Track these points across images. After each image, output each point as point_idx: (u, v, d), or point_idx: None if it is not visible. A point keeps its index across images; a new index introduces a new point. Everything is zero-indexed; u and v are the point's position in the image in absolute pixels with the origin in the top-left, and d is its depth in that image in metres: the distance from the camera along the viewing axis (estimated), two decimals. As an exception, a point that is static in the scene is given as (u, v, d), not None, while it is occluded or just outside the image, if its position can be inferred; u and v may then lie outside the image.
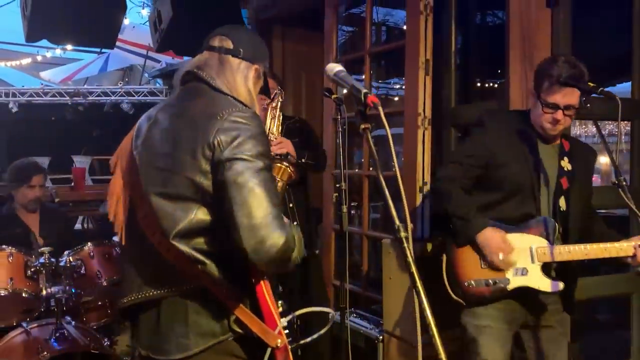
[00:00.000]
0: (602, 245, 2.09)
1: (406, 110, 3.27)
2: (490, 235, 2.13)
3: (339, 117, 2.71)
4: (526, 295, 2.17)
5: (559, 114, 2.10)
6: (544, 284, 2.13)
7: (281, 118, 2.76)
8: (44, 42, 4.54)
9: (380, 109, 1.22)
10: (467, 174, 2.22)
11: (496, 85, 4.31)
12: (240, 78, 1.62)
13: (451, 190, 2.21)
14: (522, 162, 2.17)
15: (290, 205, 3.05)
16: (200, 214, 1.46)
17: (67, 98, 10.11)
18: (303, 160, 2.94)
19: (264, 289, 1.50)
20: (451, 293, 2.22)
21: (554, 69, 2.09)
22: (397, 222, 1.13)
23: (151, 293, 1.53)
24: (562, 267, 2.21)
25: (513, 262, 2.13)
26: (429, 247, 2.66)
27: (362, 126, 1.26)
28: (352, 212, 4.58)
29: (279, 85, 3.15)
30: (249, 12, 4.94)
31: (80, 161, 9.73)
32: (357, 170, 4.29)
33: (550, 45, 2.95)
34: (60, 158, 9.40)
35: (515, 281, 2.15)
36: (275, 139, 2.73)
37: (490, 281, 2.15)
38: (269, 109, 2.72)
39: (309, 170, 3.20)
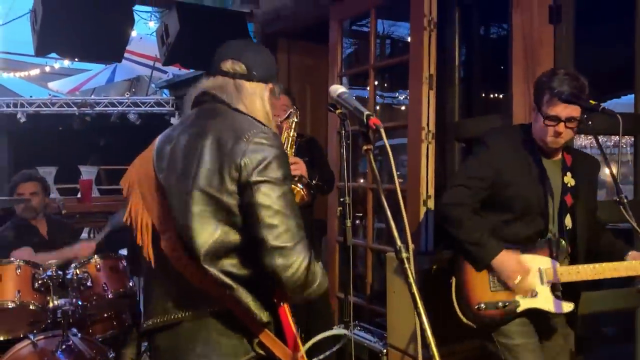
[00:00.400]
0: (611, 264, 2.08)
1: (410, 124, 3.30)
2: (506, 259, 2.13)
3: (343, 131, 2.74)
4: (536, 314, 2.19)
5: (561, 127, 2.11)
6: (553, 306, 2.14)
7: (295, 137, 2.77)
8: (53, 54, 4.60)
9: (382, 131, 1.24)
10: (474, 197, 2.21)
11: (501, 97, 4.33)
12: (258, 101, 1.63)
13: (461, 216, 2.20)
14: (529, 180, 2.17)
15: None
16: (228, 235, 1.47)
17: (75, 108, 10.18)
18: (314, 182, 2.93)
19: (287, 313, 1.54)
20: (461, 316, 2.23)
21: (554, 82, 2.11)
22: (398, 242, 1.15)
23: (175, 317, 1.54)
24: (568, 284, 2.20)
25: (529, 284, 2.13)
26: (442, 261, 2.66)
27: (365, 147, 1.28)
28: (357, 222, 4.60)
29: (293, 102, 3.17)
30: (255, 26, 4.99)
31: (87, 171, 9.77)
32: (361, 181, 4.32)
33: (553, 61, 2.98)
34: (67, 168, 9.45)
35: (525, 303, 2.16)
36: (290, 158, 2.75)
37: (500, 304, 2.16)
38: (284, 127, 2.74)
39: (318, 192, 3.21)
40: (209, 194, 1.46)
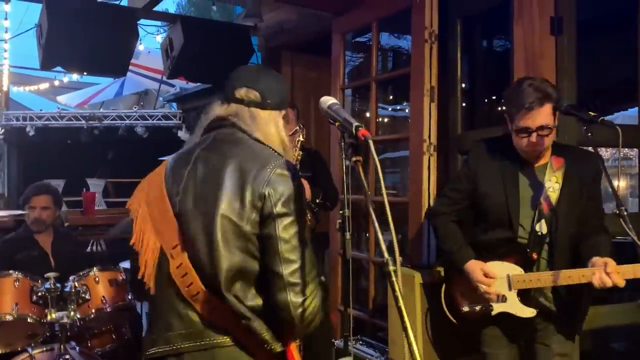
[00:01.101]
0: (567, 271, 2.10)
1: (411, 136, 3.29)
2: (471, 269, 2.24)
3: (343, 143, 2.73)
4: (511, 319, 2.25)
5: (534, 137, 2.10)
6: (520, 310, 2.22)
7: (300, 157, 2.75)
8: (60, 68, 4.64)
9: (371, 142, 1.23)
10: (453, 207, 2.36)
11: (504, 109, 4.32)
12: (274, 129, 1.62)
13: (438, 224, 2.38)
14: (500, 191, 2.23)
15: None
16: (247, 262, 1.46)
17: (83, 121, 10.28)
18: (318, 201, 2.91)
19: (294, 346, 1.54)
20: (449, 316, 2.39)
21: (519, 94, 2.12)
22: (385, 255, 1.13)
23: (177, 347, 1.51)
24: (570, 296, 2.19)
25: (493, 292, 2.22)
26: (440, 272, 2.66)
27: (354, 159, 1.27)
28: (364, 234, 4.57)
29: (298, 116, 3.14)
30: (258, 40, 5.03)
31: (94, 184, 9.86)
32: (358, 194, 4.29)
33: (555, 73, 2.96)
34: (74, 181, 9.53)
35: (497, 307, 2.26)
36: None
37: (477, 307, 2.29)
38: (296, 140, 2.71)
39: (321, 210, 3.18)
40: (231, 219, 1.44)
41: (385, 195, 1.17)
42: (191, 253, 1.48)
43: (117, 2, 4.51)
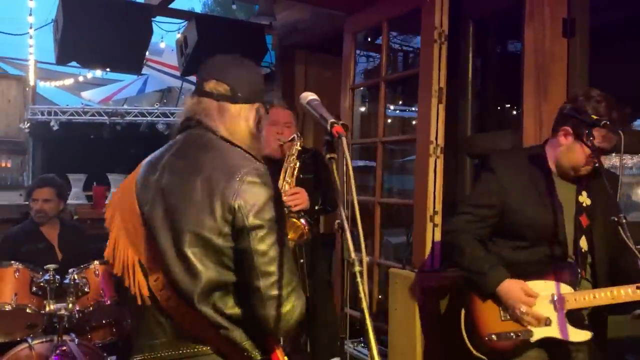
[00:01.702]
0: (630, 288, 1.94)
1: (418, 138, 3.24)
2: (509, 289, 2.03)
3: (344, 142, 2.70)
4: (552, 344, 2.05)
5: (601, 159, 1.98)
6: (569, 334, 2.01)
7: (297, 166, 2.67)
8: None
9: (344, 140, 1.20)
10: (479, 224, 2.14)
11: (515, 112, 4.24)
12: (243, 123, 1.54)
13: (463, 243, 2.13)
14: (538, 205, 2.06)
15: (301, 260, 2.85)
16: (221, 275, 1.41)
17: (106, 117, 10.46)
18: (317, 207, 2.84)
19: (279, 354, 1.50)
20: (472, 349, 2.11)
21: (608, 111, 1.94)
22: (352, 255, 1.10)
23: (161, 355, 1.49)
24: (593, 309, 2.09)
25: (539, 312, 2.02)
26: (446, 279, 2.56)
27: (328, 156, 1.24)
28: (368, 236, 4.53)
29: (297, 117, 3.06)
30: (273, 38, 5.02)
31: (115, 179, 10.01)
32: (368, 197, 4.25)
33: (567, 76, 2.89)
34: (96, 175, 9.69)
35: (538, 332, 2.03)
36: (290, 188, 2.65)
37: (512, 334, 2.04)
38: (287, 155, 2.66)
39: (322, 214, 3.13)
40: (200, 235, 1.39)
41: (354, 195, 1.14)
42: (164, 268, 1.44)
43: (132, -1, 4.56)
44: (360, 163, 5.02)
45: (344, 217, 1.14)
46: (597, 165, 1.99)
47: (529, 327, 2.03)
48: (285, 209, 2.60)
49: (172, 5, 4.73)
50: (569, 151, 2.03)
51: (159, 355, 1.49)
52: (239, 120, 1.54)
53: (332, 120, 1.25)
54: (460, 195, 3.56)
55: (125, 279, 1.50)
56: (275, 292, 1.38)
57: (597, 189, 2.09)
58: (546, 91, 2.88)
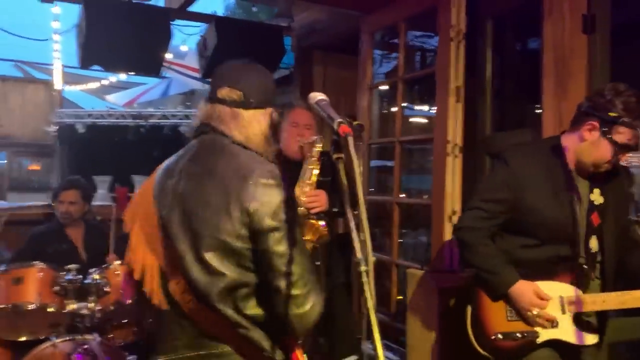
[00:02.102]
0: (637, 293, 1.90)
1: (436, 137, 3.22)
2: (521, 291, 1.98)
3: (360, 143, 2.71)
4: (559, 345, 2.02)
5: (625, 157, 1.94)
6: (575, 337, 1.98)
7: (317, 168, 2.65)
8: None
9: (350, 139, 1.20)
10: (491, 221, 2.06)
11: (535, 111, 4.18)
12: (257, 128, 1.57)
13: (474, 241, 2.06)
14: (554, 203, 1.98)
15: (317, 263, 2.92)
16: (241, 276, 1.44)
17: (130, 120, 10.60)
18: (335, 210, 2.82)
19: (299, 355, 1.52)
20: (477, 347, 2.08)
21: (626, 102, 1.88)
22: (358, 254, 1.10)
23: (184, 355, 1.51)
24: (596, 313, 2.05)
25: (548, 315, 1.98)
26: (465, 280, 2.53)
27: (335, 156, 1.24)
28: (387, 236, 4.52)
29: (317, 120, 3.03)
30: (292, 40, 5.04)
31: (140, 181, 10.14)
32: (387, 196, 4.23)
33: (587, 73, 2.84)
34: (121, 177, 9.83)
35: (545, 334, 2.00)
36: (310, 190, 2.59)
37: (518, 334, 2.01)
38: (307, 157, 2.63)
39: (339, 217, 3.11)
40: (218, 238, 1.42)
41: (360, 195, 1.14)
42: (183, 271, 1.47)
43: (152, 3, 4.62)
44: (379, 163, 5.00)
45: (350, 217, 1.14)
46: (619, 160, 1.94)
47: (536, 328, 1.99)
48: (305, 210, 2.62)
49: (193, 9, 4.78)
50: (593, 146, 1.94)
51: (180, 356, 1.51)
52: (252, 124, 1.57)
53: (339, 119, 1.25)
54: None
55: (145, 284, 1.53)
56: (295, 291, 1.40)
57: (612, 186, 2.02)
58: (566, 89, 2.83)
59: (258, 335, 1.46)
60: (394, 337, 3.58)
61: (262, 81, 1.62)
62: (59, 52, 9.69)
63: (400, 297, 3.67)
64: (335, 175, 3.27)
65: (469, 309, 2.11)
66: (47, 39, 6.83)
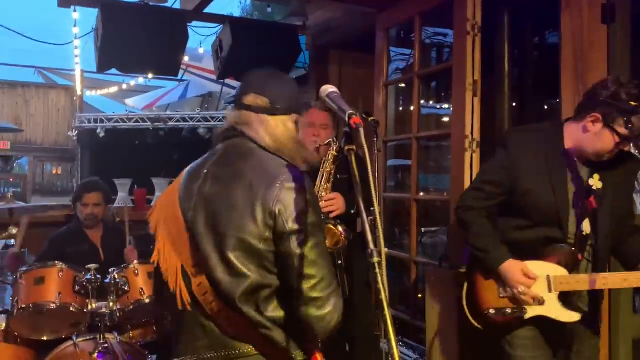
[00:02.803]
0: (621, 274, 2.00)
1: (453, 132, 3.19)
2: (510, 269, 2.08)
3: (375, 139, 2.68)
4: (545, 323, 2.10)
5: (627, 145, 1.97)
6: (561, 314, 2.07)
7: (333, 172, 2.63)
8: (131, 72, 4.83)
9: (362, 130, 1.19)
10: (488, 202, 2.16)
11: (554, 105, 4.11)
12: (284, 131, 1.60)
13: (470, 220, 2.17)
14: (549, 189, 2.05)
15: (339, 262, 2.77)
16: (264, 278, 1.46)
17: (149, 123, 10.72)
18: (352, 212, 2.79)
19: (320, 355, 1.54)
20: (471, 319, 2.22)
21: (628, 94, 1.91)
22: (370, 246, 1.09)
23: (205, 356, 1.54)
24: (590, 294, 2.13)
25: (535, 293, 2.07)
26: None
27: (347, 147, 1.23)
28: (406, 234, 4.49)
29: (334, 118, 3.01)
30: (307, 39, 5.04)
31: (159, 183, 10.25)
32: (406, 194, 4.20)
33: (607, 65, 2.78)
34: (141, 180, 9.94)
35: (532, 310, 2.10)
36: (327, 194, 2.63)
37: (508, 310, 2.12)
38: (323, 161, 2.62)
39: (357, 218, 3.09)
40: (242, 239, 1.45)
41: (372, 185, 1.13)
42: (207, 271, 1.49)
43: (168, 5, 4.65)
44: (397, 162, 4.97)
45: (362, 208, 1.13)
46: (622, 149, 1.99)
47: (524, 305, 2.09)
48: (322, 215, 2.61)
49: (209, 11, 4.81)
50: (596, 138, 1.98)
51: (202, 357, 1.54)
52: (280, 129, 1.60)
53: (351, 111, 1.24)
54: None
55: (170, 284, 1.57)
56: (316, 294, 1.43)
57: (615, 173, 2.07)
58: (585, 81, 2.77)
59: (280, 335, 1.48)
60: (414, 335, 3.56)
61: (287, 88, 1.67)
62: (79, 57, 9.82)
63: (420, 296, 3.64)
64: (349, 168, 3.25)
65: (465, 285, 2.25)
66: (69, 43, 6.92)
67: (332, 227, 2.55)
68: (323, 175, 2.65)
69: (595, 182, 2.04)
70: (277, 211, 1.43)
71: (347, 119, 1.23)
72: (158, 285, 1.64)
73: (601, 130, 1.97)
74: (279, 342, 1.48)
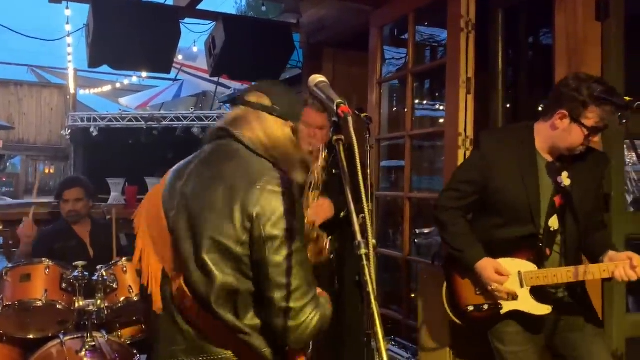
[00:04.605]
0: (583, 267, 2.04)
1: (446, 130, 3.17)
2: (483, 267, 2.15)
3: (368, 135, 2.64)
4: (523, 317, 2.16)
5: (596, 137, 2.03)
6: (534, 308, 2.13)
7: (321, 181, 2.60)
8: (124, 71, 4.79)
9: (350, 119, 1.16)
10: (463, 201, 2.24)
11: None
12: (278, 131, 1.58)
13: (446, 220, 2.24)
14: (518, 186, 2.11)
15: (331, 256, 2.77)
16: (239, 282, 1.43)
17: (143, 122, 10.64)
18: (342, 215, 2.76)
19: None
20: (452, 316, 2.29)
21: (589, 88, 1.98)
22: (358, 237, 1.06)
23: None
24: (583, 293, 2.19)
25: (507, 289, 2.14)
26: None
27: (335, 137, 1.20)
28: (398, 233, 4.46)
29: (330, 118, 2.97)
30: (300, 36, 5.01)
31: (153, 183, 10.16)
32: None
33: (601, 61, 2.77)
34: (135, 179, 9.86)
35: (506, 305, 2.17)
36: (312, 201, 2.57)
37: (484, 306, 2.20)
38: (319, 158, 2.57)
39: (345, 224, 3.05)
40: (220, 242, 1.41)
41: (360, 176, 1.09)
42: (185, 274, 1.46)
43: (161, 1, 4.62)
44: (390, 164, 4.93)
45: (350, 200, 1.10)
46: (589, 142, 2.04)
47: (499, 301, 2.16)
48: (307, 225, 2.56)
49: (202, 8, 4.77)
50: (566, 133, 2.04)
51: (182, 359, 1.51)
52: (275, 129, 1.58)
53: (339, 100, 1.21)
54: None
55: (148, 287, 1.54)
56: (289, 304, 1.38)
57: (581, 168, 2.12)
58: (579, 78, 2.75)
59: (259, 341, 1.45)
60: (407, 334, 3.53)
61: (290, 97, 1.67)
62: (72, 56, 9.75)
63: (413, 295, 3.62)
64: (348, 160, 3.22)
65: (445, 285, 2.32)
66: (60, 39, 6.87)
67: (318, 235, 2.51)
68: (311, 184, 2.60)
69: (564, 179, 2.09)
70: (254, 214, 1.39)
71: (335, 108, 1.20)
72: (142, 284, 1.61)
73: (569, 126, 2.03)
74: (257, 348, 1.45)
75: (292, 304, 1.38)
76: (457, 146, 3.07)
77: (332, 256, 2.92)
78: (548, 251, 2.12)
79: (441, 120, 4.69)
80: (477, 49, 3.08)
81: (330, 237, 2.49)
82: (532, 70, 3.77)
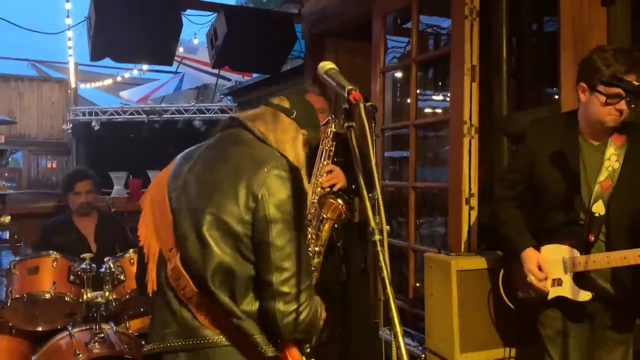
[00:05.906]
0: (622, 252, 2.01)
1: (451, 118, 3.15)
2: (528, 258, 2.20)
3: (373, 124, 2.65)
4: (568, 305, 2.19)
5: (622, 104, 1.97)
6: (575, 294, 2.17)
7: (333, 148, 2.71)
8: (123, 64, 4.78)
9: (362, 106, 1.16)
10: (513, 190, 2.30)
11: (555, 89, 4.07)
12: (290, 137, 1.62)
13: (498, 209, 2.34)
14: (559, 172, 2.13)
15: (338, 244, 2.95)
16: (237, 263, 1.44)
17: (144, 116, 10.64)
18: (354, 187, 2.84)
19: (294, 351, 1.51)
20: (507, 301, 2.38)
21: (611, 56, 1.98)
22: (372, 224, 1.06)
23: (171, 344, 1.52)
24: (632, 274, 2.10)
25: (540, 285, 2.18)
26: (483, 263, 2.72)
27: (346, 124, 1.20)
28: (404, 222, 4.45)
29: (330, 104, 3.07)
30: (302, 27, 4.98)
31: (155, 176, 10.18)
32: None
33: (607, 46, 2.75)
34: (137, 173, 9.87)
35: (553, 291, 2.21)
36: (327, 172, 2.71)
37: (532, 292, 2.24)
38: (322, 138, 2.67)
39: (356, 196, 3.12)
40: (221, 219, 1.43)
41: (373, 160, 1.09)
42: (183, 252, 1.48)
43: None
44: (394, 154, 4.92)
45: (362, 184, 1.09)
46: (622, 113, 1.99)
47: (547, 286, 2.20)
48: (323, 190, 2.67)
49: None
50: (590, 104, 2.05)
51: (168, 344, 1.52)
52: (287, 132, 1.62)
53: (350, 87, 1.21)
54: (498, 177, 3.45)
55: (147, 268, 1.58)
56: (286, 288, 1.40)
57: (633, 153, 2.08)
58: (585, 64, 2.74)
59: (251, 327, 1.46)
60: (413, 323, 3.53)
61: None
62: (73, 49, 9.73)
63: (418, 284, 3.62)
64: (347, 156, 3.30)
65: (502, 271, 2.42)
66: (60, 32, 6.86)
67: (332, 200, 2.60)
68: (323, 152, 2.70)
69: (612, 163, 2.08)
70: (260, 195, 1.41)
71: (346, 95, 1.19)
72: (141, 268, 1.64)
73: (590, 97, 2.05)
74: (250, 334, 1.46)
75: (287, 289, 1.40)
76: (462, 134, 3.05)
77: (338, 245, 2.96)
78: (592, 237, 2.11)
79: (441, 110, 4.69)
80: (481, 36, 3.06)
81: (347, 200, 2.62)
82: (537, 57, 3.74)
